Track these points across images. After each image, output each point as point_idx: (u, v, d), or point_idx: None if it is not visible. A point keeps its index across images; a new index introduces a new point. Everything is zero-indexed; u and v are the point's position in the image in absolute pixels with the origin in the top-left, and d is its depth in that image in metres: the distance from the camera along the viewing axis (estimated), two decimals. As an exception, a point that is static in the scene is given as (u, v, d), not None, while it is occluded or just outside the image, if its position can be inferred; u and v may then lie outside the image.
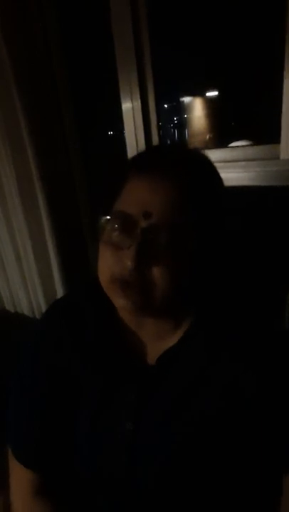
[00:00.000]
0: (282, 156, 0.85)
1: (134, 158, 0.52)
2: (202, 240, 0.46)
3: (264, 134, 0.97)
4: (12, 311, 1.26)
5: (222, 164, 0.52)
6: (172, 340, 0.52)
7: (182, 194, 0.45)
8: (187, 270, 0.46)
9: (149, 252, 0.43)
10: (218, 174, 0.51)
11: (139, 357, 0.54)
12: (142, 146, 1.08)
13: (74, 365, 0.54)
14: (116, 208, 0.48)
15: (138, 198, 0.45)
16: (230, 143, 1.14)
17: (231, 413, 0.48)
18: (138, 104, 1.05)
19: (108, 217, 0.47)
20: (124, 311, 0.54)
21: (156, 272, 0.44)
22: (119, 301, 0.47)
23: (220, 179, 0.51)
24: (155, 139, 1.09)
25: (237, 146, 0.98)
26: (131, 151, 1.10)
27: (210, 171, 0.50)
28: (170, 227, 0.44)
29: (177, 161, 0.48)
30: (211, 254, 0.49)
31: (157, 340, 0.53)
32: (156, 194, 0.44)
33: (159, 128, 1.09)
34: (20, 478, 0.58)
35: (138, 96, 1.04)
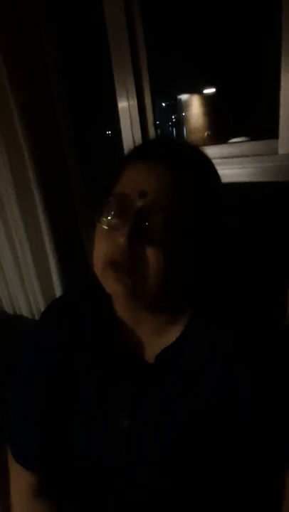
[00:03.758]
0: (281, 151, 0.84)
1: (133, 148, 0.53)
2: (199, 228, 0.46)
3: (262, 129, 0.96)
4: (11, 312, 1.26)
5: (219, 160, 0.52)
6: (170, 336, 0.52)
7: (178, 180, 0.45)
8: (182, 258, 0.46)
9: (143, 232, 0.43)
10: (213, 166, 0.52)
11: (138, 355, 0.54)
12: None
13: (73, 364, 0.54)
14: (112, 192, 0.48)
15: (134, 179, 0.46)
16: (228, 140, 1.13)
17: (230, 411, 0.48)
18: (134, 103, 1.04)
19: (104, 201, 0.47)
20: (118, 301, 0.53)
21: (150, 254, 0.44)
22: (111, 286, 0.47)
23: (215, 171, 0.52)
24: (152, 138, 1.08)
25: (234, 142, 0.97)
26: (128, 151, 1.09)
27: (206, 163, 0.51)
28: (165, 210, 0.44)
29: (175, 150, 0.49)
30: (209, 245, 0.49)
31: (155, 337, 0.53)
32: (151, 176, 0.45)
33: (155, 126, 1.09)
34: (19, 479, 0.57)
35: (134, 95, 1.04)
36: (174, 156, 0.47)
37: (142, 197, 0.44)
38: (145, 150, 0.51)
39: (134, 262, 0.44)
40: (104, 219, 0.47)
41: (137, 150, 0.52)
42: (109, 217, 0.46)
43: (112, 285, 0.46)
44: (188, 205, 0.45)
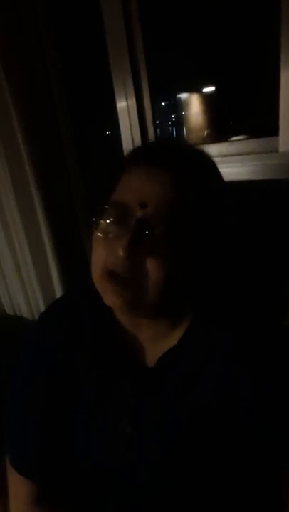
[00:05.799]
0: (281, 148, 0.84)
1: (132, 151, 0.52)
2: (200, 235, 0.45)
3: (262, 128, 0.96)
4: (11, 313, 1.26)
5: (220, 159, 0.52)
6: (171, 341, 0.52)
7: (179, 187, 0.43)
8: (183, 266, 0.45)
9: (142, 242, 0.42)
10: (217, 169, 0.50)
11: (138, 358, 0.54)
12: (138, 144, 1.07)
13: (73, 364, 0.54)
14: (111, 199, 0.47)
15: (134, 187, 0.44)
16: (228, 138, 1.13)
17: (230, 411, 0.47)
18: (133, 103, 1.04)
19: (103, 207, 0.46)
20: (117, 311, 0.52)
21: (150, 265, 0.43)
22: (110, 298, 0.45)
23: (219, 175, 0.50)
24: (151, 137, 1.08)
25: (235, 140, 0.96)
26: (127, 151, 1.09)
27: (209, 166, 0.50)
28: (166, 219, 0.42)
29: (176, 155, 0.47)
30: (209, 250, 0.48)
31: (155, 342, 0.53)
32: (152, 185, 0.43)
33: (155, 126, 1.09)
34: (18, 489, 0.57)
35: (133, 95, 1.03)
36: (176, 161, 0.45)
37: (143, 207, 0.43)
38: (145, 154, 0.48)
39: (134, 274, 0.43)
40: (101, 225, 0.45)
41: (136, 154, 0.50)
42: (107, 222, 0.45)
43: (110, 298, 0.45)
44: (190, 214, 0.44)
